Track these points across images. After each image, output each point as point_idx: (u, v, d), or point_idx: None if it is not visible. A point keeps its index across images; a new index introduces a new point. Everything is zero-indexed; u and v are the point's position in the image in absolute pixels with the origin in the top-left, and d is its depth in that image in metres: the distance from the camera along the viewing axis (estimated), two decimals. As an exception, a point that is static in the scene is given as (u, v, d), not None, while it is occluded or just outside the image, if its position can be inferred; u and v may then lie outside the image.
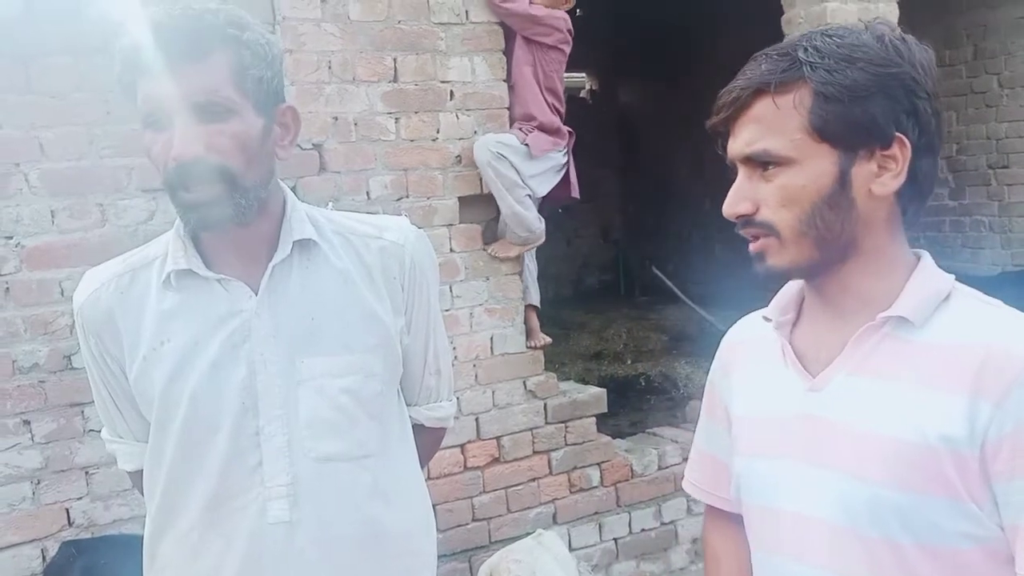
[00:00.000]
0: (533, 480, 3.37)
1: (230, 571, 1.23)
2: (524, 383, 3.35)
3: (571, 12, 3.45)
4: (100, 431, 1.40)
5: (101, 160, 2.63)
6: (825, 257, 0.97)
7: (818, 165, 0.93)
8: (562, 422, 3.40)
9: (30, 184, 2.55)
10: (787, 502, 1.01)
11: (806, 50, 0.94)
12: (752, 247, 0.99)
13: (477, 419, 3.26)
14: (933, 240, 6.11)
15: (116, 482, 2.66)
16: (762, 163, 0.96)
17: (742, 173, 0.98)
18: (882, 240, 0.98)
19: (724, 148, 1.01)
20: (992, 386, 0.88)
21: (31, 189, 2.55)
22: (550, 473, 3.41)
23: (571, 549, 3.29)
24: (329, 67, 2.94)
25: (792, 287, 1.08)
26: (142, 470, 1.31)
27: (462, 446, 3.24)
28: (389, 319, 1.30)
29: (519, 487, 3.34)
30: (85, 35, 2.56)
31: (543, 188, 3.30)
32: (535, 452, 3.37)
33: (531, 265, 3.44)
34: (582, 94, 10.18)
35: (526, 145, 3.19)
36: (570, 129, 3.43)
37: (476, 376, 3.25)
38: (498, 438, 3.30)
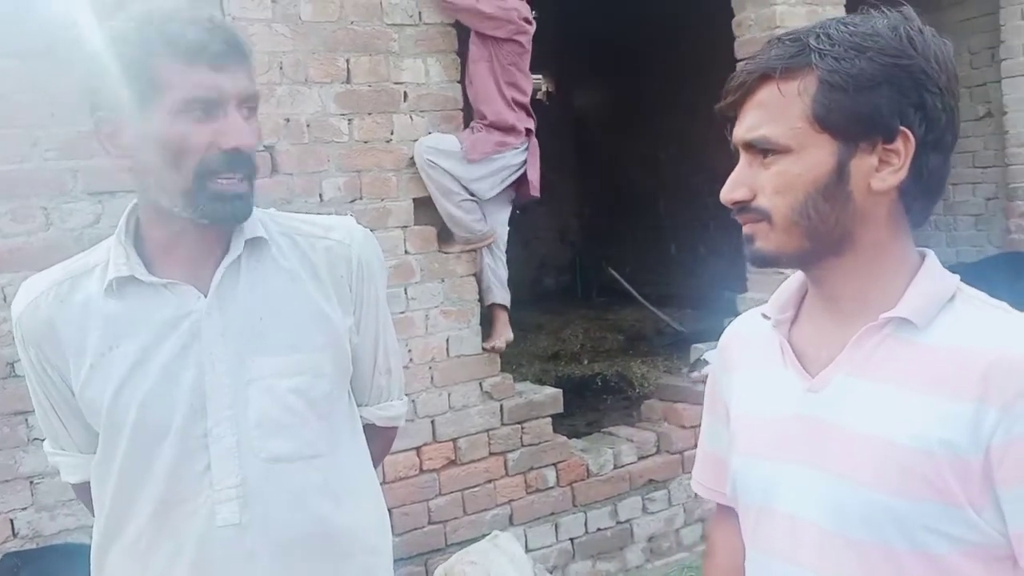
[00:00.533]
0: (489, 482, 3.37)
1: (181, 575, 1.22)
2: (480, 384, 3.35)
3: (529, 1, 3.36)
4: (44, 441, 1.38)
5: (45, 163, 2.57)
6: (816, 248, 0.95)
7: (815, 155, 0.92)
8: (518, 423, 3.41)
9: (-30, 187, 2.49)
10: (781, 503, 0.99)
11: (818, 36, 0.92)
12: (745, 230, 0.97)
13: (433, 421, 3.25)
14: (881, 240, 6.22)
15: (62, 492, 2.60)
16: (762, 150, 0.94)
17: (743, 159, 0.97)
18: (882, 237, 0.95)
19: (730, 131, 0.99)
20: (999, 391, 0.86)
21: (-29, 192, 2.49)
22: (506, 474, 3.41)
23: (527, 550, 3.30)
24: (280, 68, 2.92)
25: (791, 284, 1.06)
26: (87, 482, 1.30)
27: (418, 449, 3.22)
28: (338, 319, 1.30)
29: (475, 489, 3.34)
30: (29, 37, 2.50)
31: (489, 191, 3.25)
32: (491, 453, 3.37)
33: (497, 267, 3.39)
34: (538, 96, 10.22)
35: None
36: (529, 127, 3.36)
37: (432, 378, 3.24)
38: (454, 440, 3.30)
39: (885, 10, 0.95)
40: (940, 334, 0.92)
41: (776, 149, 0.93)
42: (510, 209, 3.45)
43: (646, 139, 8.44)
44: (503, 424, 3.41)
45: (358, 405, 1.40)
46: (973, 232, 5.60)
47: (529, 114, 3.39)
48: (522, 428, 3.41)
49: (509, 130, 3.26)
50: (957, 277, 0.97)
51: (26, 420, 2.55)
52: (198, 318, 1.21)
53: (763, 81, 0.93)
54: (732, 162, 1.00)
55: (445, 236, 3.27)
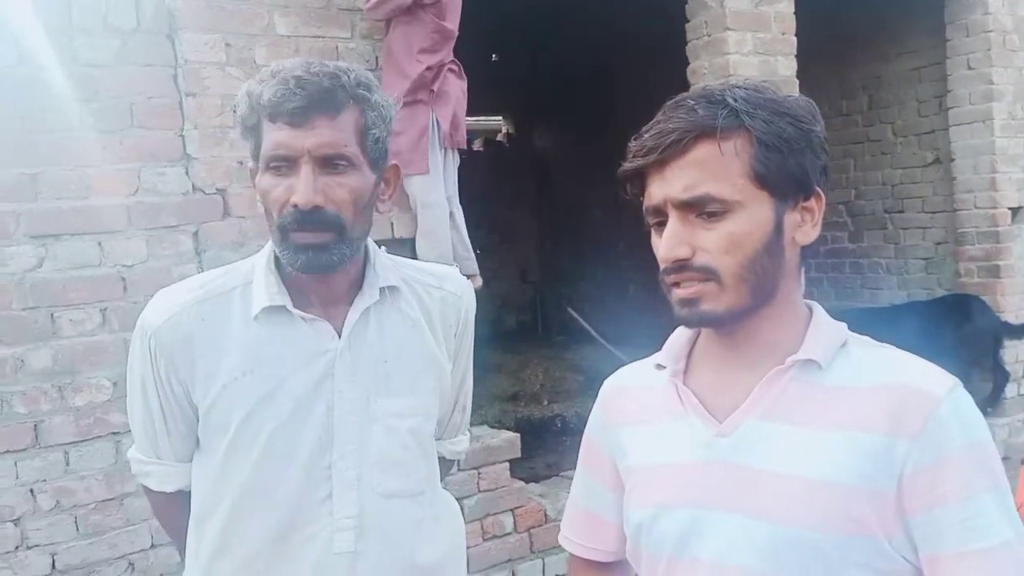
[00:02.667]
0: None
1: None
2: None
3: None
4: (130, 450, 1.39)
5: (-14, 205, 2.51)
6: (753, 303, 0.97)
7: (760, 211, 0.95)
8: (475, 468, 3.36)
9: (-93, 230, 2.42)
10: (699, 550, 0.98)
11: (735, 100, 0.95)
12: (684, 292, 0.97)
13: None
14: (834, 281, 6.33)
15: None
16: (701, 208, 0.94)
17: (675, 217, 0.96)
18: (791, 288, 1.01)
19: (635, 194, 1.00)
20: (908, 423, 0.91)
21: (-92, 235, 2.42)
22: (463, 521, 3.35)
23: (484, 599, 3.24)
24: (234, 111, 2.87)
25: (683, 335, 1.08)
26: (177, 491, 1.35)
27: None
28: (445, 364, 1.39)
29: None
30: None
31: (449, 189, 3.20)
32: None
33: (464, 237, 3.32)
34: (499, 137, 10.28)
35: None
36: (446, 64, 3.16)
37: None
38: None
39: (758, 82, 1.01)
40: (841, 375, 0.97)
41: (722, 207, 0.94)
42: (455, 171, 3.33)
43: (606, 180, 8.48)
44: (459, 469, 3.36)
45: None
46: (924, 275, 5.71)
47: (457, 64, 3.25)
48: (479, 473, 3.36)
49: (416, 96, 3.07)
50: (845, 324, 1.02)
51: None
52: (332, 357, 1.28)
53: (699, 140, 0.94)
54: (640, 223, 1.00)
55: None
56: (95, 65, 2.66)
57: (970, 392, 0.96)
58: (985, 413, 1.02)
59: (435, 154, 3.11)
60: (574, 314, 7.75)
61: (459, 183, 3.39)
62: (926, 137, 5.55)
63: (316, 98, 1.17)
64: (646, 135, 0.98)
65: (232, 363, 1.26)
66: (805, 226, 0.98)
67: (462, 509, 3.30)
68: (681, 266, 0.96)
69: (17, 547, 2.55)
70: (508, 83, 8.73)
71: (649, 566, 1.06)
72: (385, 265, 1.34)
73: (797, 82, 4.06)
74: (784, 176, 0.95)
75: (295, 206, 1.18)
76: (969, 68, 5.02)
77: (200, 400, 1.27)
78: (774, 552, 0.94)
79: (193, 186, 2.84)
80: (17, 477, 2.55)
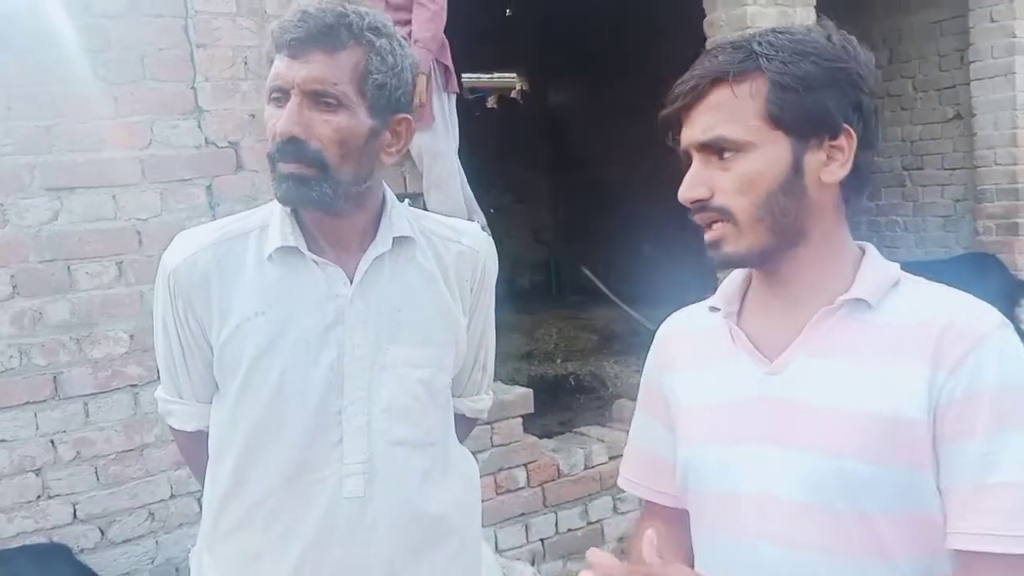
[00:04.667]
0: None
1: (303, 540, 1.30)
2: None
3: None
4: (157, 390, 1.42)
5: (2, 158, 2.52)
6: (779, 243, 0.99)
7: (774, 151, 0.97)
8: (488, 423, 3.38)
9: (-77, 182, 2.43)
10: (748, 484, 1.02)
11: (760, 43, 0.98)
12: (708, 235, 1.01)
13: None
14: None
15: (19, 493, 2.55)
16: (718, 150, 0.98)
17: (697, 160, 1.00)
18: (830, 228, 1.02)
19: (674, 139, 1.03)
20: (949, 356, 0.92)
21: (-76, 187, 2.43)
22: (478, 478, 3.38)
23: (498, 550, 3.28)
24: (245, 63, 2.87)
25: (737, 278, 1.11)
26: (199, 431, 1.37)
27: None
28: (460, 318, 1.39)
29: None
30: (-18, 27, 2.45)
31: (452, 143, 3.15)
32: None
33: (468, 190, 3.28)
34: (512, 94, 10.20)
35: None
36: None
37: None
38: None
39: (810, 25, 1.03)
40: (892, 312, 0.99)
41: (735, 147, 0.97)
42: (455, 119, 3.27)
43: (620, 138, 8.44)
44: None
45: (453, 396, 1.47)
46: (942, 233, 5.65)
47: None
48: (492, 428, 3.38)
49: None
50: (898, 265, 1.04)
51: (-18, 421, 2.50)
52: (343, 303, 1.29)
53: (715, 85, 0.98)
54: (680, 166, 1.02)
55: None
56: (107, 16, 2.64)
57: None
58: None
59: (440, 103, 3.05)
60: (588, 273, 7.74)
61: (472, 141, 3.35)
62: (947, 92, 5.46)
63: (315, 32, 1.18)
64: (678, 83, 1.01)
65: (245, 303, 1.28)
66: (832, 165, 0.98)
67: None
68: (701, 206, 1.00)
69: (39, 496, 2.59)
70: (521, 39, 8.64)
71: (699, 504, 1.10)
72: (401, 215, 1.35)
73: (816, 34, 3.99)
74: (802, 115, 0.96)
75: (275, 135, 1.20)
76: (992, 21, 4.91)
77: (215, 339, 1.29)
78: (819, 483, 0.96)
79: (206, 139, 2.83)
80: (37, 428, 2.58)
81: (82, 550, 2.62)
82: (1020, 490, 0.89)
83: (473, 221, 3.14)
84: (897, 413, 0.93)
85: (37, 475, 2.59)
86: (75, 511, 2.64)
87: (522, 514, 3.45)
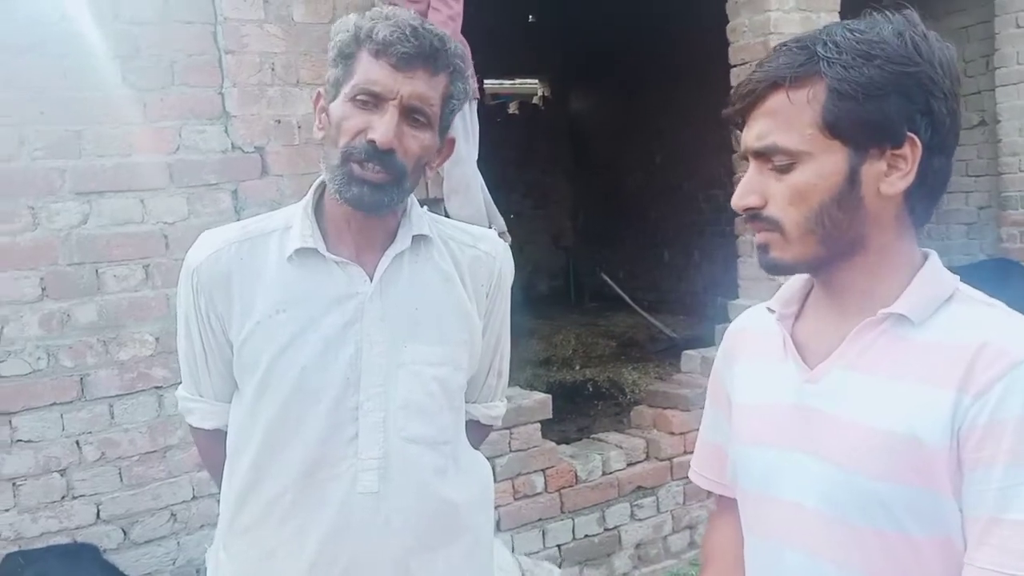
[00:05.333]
0: (478, 487, 3.34)
1: (318, 534, 1.31)
2: (470, 389, 3.33)
3: None
4: (178, 388, 1.45)
5: (33, 162, 2.56)
6: (830, 253, 0.97)
7: (829, 162, 0.93)
8: (507, 428, 3.38)
9: (-44, 186, 2.47)
10: (780, 490, 1.02)
11: (825, 44, 0.92)
12: (757, 239, 1.00)
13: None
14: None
15: (44, 493, 2.59)
16: (771, 158, 0.95)
17: (753, 166, 0.98)
18: (889, 238, 0.98)
19: (736, 140, 1.02)
20: (977, 380, 0.89)
21: (-43, 191, 2.47)
22: (494, 480, 3.39)
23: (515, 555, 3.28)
24: (272, 69, 2.90)
25: (798, 280, 1.09)
26: (217, 430, 1.40)
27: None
28: (476, 319, 1.41)
29: (464, 494, 3.31)
30: (16, 34, 2.49)
31: (472, 149, 3.12)
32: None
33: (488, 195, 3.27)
34: (534, 100, 10.22)
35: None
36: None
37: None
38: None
39: (889, 15, 0.95)
40: (936, 331, 0.95)
41: (789, 157, 0.94)
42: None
43: (641, 144, 8.44)
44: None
45: (467, 402, 1.49)
46: (965, 240, 5.61)
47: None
48: (511, 433, 3.39)
49: None
50: (957, 278, 0.99)
51: (10, 421, 2.53)
52: (362, 300, 1.31)
53: (772, 89, 0.94)
54: (727, 167, 1.01)
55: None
56: (137, 22, 2.68)
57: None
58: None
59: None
60: (607, 280, 7.74)
61: (493, 147, 3.36)
62: (972, 98, 5.41)
63: (425, 51, 1.23)
64: (739, 84, 0.98)
65: (266, 301, 1.30)
66: (893, 175, 0.94)
67: (493, 469, 3.35)
68: (753, 215, 0.98)
69: (63, 497, 2.62)
70: (544, 45, 8.66)
71: (742, 502, 1.11)
72: (421, 216, 1.38)
73: (839, 42, 3.97)
74: (860, 125, 0.92)
75: (371, 141, 1.22)
76: (1017, 26, 4.87)
77: (235, 337, 1.32)
78: (838, 497, 0.96)
79: (232, 144, 2.86)
80: (63, 429, 2.62)
81: (105, 550, 2.65)
82: None
83: (492, 227, 3.16)
84: (917, 433, 0.91)
85: (62, 475, 2.62)
86: (99, 511, 2.67)
87: (539, 520, 3.45)
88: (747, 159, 0.99)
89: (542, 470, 3.46)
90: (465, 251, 1.42)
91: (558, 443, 3.67)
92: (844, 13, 3.97)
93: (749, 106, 0.96)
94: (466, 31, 3.18)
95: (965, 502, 0.90)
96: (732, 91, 0.99)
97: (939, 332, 0.95)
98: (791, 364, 1.04)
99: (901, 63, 0.91)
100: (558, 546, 3.48)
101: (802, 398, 1.01)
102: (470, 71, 3.03)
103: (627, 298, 7.34)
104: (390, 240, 1.35)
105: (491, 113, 9.12)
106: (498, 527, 3.37)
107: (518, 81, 9.89)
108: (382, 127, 1.22)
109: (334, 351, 1.30)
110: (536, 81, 9.99)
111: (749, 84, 0.96)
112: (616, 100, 8.95)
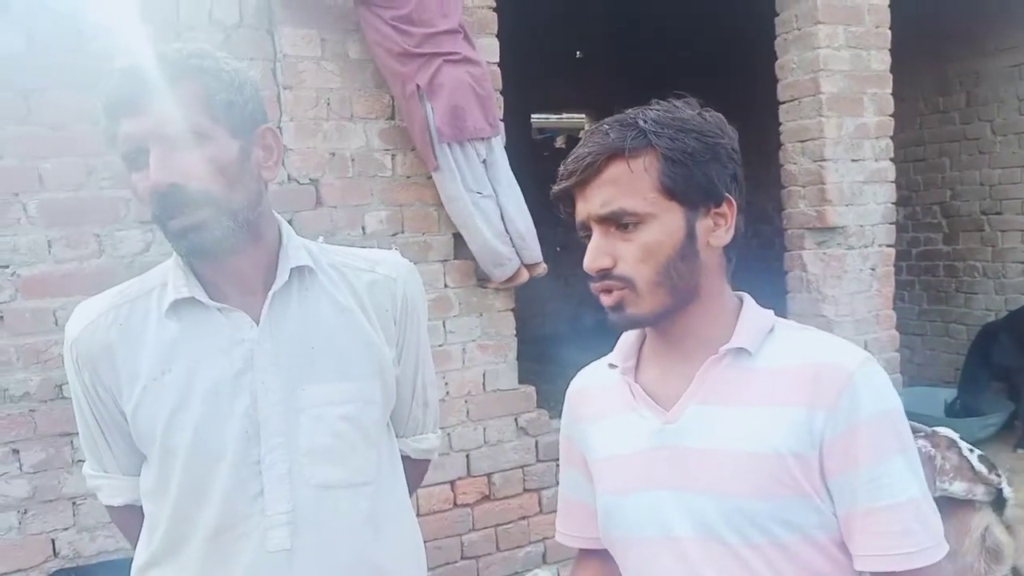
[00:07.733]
0: (523, 518, 3.35)
1: None
2: (516, 420, 3.35)
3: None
4: (83, 464, 1.39)
5: (100, 191, 2.66)
6: (676, 303, 1.07)
7: (671, 220, 1.04)
8: (553, 460, 3.39)
9: (28, 214, 2.58)
10: (656, 528, 1.09)
11: (646, 120, 1.05)
12: (607, 300, 1.07)
13: (468, 455, 3.25)
14: (927, 284, 6.13)
15: (102, 513, 2.64)
16: (618, 221, 1.04)
17: (598, 232, 1.06)
18: (716, 285, 1.10)
19: (566, 212, 1.11)
20: (824, 396, 1.01)
21: (29, 219, 2.58)
22: (540, 512, 3.39)
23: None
24: (328, 104, 2.99)
25: (631, 336, 1.18)
26: (127, 505, 1.31)
27: (452, 483, 3.22)
28: (384, 348, 1.31)
29: (509, 525, 3.32)
30: (84, 69, 2.59)
31: (471, 182, 3.10)
32: (526, 490, 3.35)
33: (523, 225, 3.26)
34: (580, 135, 10.28)
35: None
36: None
37: (468, 412, 3.25)
38: (489, 475, 3.29)
39: (673, 101, 1.10)
40: (770, 358, 1.07)
41: (635, 219, 1.04)
42: (478, 163, 3.18)
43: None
44: (538, 460, 3.40)
45: (396, 436, 1.41)
46: (1022, 279, 5.49)
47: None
48: (557, 465, 3.38)
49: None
50: (772, 311, 1.14)
51: (71, 442, 2.61)
52: (250, 347, 1.22)
53: (610, 160, 1.04)
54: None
55: (483, 272, 3.28)
56: (200, 59, 2.78)
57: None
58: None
59: (442, 148, 3.02)
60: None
61: (540, 180, 3.36)
62: (1029, 136, 5.33)
63: (144, 83, 1.12)
64: (569, 160, 1.08)
65: (150, 364, 1.21)
66: (719, 230, 1.08)
67: (539, 500, 3.33)
68: (604, 275, 1.06)
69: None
70: (591, 80, 8.72)
71: (620, 551, 1.17)
72: (298, 247, 1.28)
73: (891, 77, 3.95)
74: (691, 187, 1.04)
75: (151, 192, 1.13)
76: (1076, 63, 4.80)
77: (126, 406, 1.23)
78: (718, 522, 1.04)
79: (288, 176, 2.94)
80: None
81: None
82: (904, 510, 0.99)
83: (505, 263, 3.16)
84: (779, 449, 1.01)
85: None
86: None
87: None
88: (587, 227, 1.07)
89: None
90: (361, 276, 1.32)
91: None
92: (894, 50, 3.96)
93: (588, 178, 1.05)
94: (515, 68, 3.25)
95: (838, 503, 1.02)
96: (562, 168, 1.08)
97: (775, 359, 1.07)
98: (644, 411, 1.11)
99: (713, 135, 1.06)
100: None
101: (663, 439, 1.09)
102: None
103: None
104: (272, 279, 1.25)
105: (538, 147, 9.19)
106: (544, 559, 3.36)
107: (564, 116, 9.96)
108: (151, 173, 1.12)
109: (227, 404, 1.21)
110: (583, 116, 10.06)
111: (587, 158, 1.05)
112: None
